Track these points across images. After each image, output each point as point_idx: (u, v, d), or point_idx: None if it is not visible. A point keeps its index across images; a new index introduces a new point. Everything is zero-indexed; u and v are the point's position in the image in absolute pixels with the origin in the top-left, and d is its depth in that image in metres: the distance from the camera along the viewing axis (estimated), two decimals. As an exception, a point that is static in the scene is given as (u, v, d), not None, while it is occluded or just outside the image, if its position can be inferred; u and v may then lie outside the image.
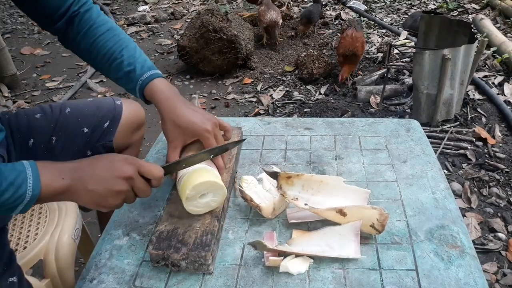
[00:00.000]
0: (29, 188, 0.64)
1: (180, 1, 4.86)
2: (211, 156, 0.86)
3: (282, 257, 0.74)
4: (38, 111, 1.05)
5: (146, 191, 0.76)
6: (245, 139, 0.93)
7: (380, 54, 3.10)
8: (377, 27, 3.66)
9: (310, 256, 0.75)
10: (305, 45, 3.44)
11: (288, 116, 2.53)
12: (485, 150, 2.08)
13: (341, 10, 4.06)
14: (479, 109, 2.39)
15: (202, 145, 0.87)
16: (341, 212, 0.78)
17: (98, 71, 0.98)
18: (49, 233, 1.04)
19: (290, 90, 2.84)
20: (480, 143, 2.13)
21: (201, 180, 0.78)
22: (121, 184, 0.72)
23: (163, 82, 0.90)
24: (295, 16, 3.92)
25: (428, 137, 1.13)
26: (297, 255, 0.75)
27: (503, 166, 1.96)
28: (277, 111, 2.62)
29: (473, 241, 0.93)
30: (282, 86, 2.89)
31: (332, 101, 2.62)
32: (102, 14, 0.96)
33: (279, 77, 3.03)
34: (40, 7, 0.89)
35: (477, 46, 2.17)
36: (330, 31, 3.65)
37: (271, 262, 0.73)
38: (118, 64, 0.90)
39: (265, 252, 0.76)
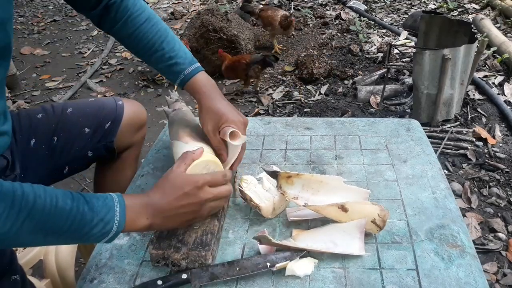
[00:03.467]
0: (115, 225, 0.68)
1: (180, 1, 4.86)
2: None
3: (288, 261, 0.74)
4: (40, 111, 1.05)
5: (224, 198, 0.80)
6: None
7: (380, 54, 3.10)
8: (377, 27, 3.66)
9: (315, 253, 0.75)
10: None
11: (288, 116, 2.53)
12: (485, 150, 2.08)
13: (341, 10, 4.06)
14: (479, 109, 2.39)
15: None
16: (342, 207, 0.78)
17: (139, 58, 1.03)
18: (49, 233, 1.04)
19: (290, 90, 2.84)
20: (480, 143, 2.13)
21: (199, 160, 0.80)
22: (205, 206, 0.76)
23: (203, 76, 0.94)
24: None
25: (428, 137, 1.12)
26: (301, 257, 0.75)
27: (503, 166, 1.96)
28: (277, 111, 2.62)
29: (473, 241, 0.93)
30: (282, 86, 2.89)
31: (332, 101, 2.62)
32: (138, 1, 0.96)
33: (279, 77, 3.03)
34: None
35: (477, 46, 2.17)
36: (330, 31, 3.65)
37: (279, 267, 0.73)
38: (160, 57, 0.94)
39: (264, 250, 0.76)
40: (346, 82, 2.86)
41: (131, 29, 0.93)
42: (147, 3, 0.99)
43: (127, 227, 0.70)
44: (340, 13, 3.95)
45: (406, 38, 3.30)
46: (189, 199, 0.73)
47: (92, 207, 0.66)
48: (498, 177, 1.92)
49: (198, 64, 0.95)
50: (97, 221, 0.66)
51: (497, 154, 2.04)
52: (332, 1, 4.35)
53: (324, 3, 4.34)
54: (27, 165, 0.99)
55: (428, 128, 2.21)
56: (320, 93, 2.75)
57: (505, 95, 2.51)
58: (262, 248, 0.77)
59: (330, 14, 4.00)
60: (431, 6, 4.04)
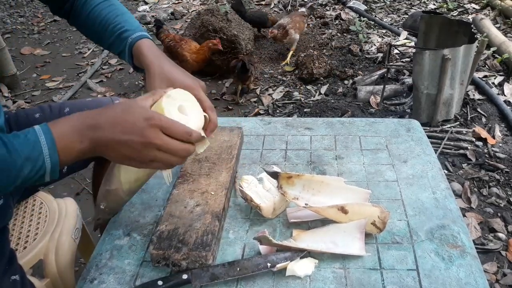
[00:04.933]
0: (47, 160, 0.62)
1: (180, 1, 4.86)
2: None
3: (288, 261, 0.74)
4: (38, 111, 1.06)
5: (176, 158, 0.68)
6: None
7: (380, 54, 3.10)
8: (377, 27, 3.67)
9: (315, 253, 0.75)
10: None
11: (288, 116, 2.53)
12: (485, 150, 2.08)
13: (341, 10, 4.06)
14: (479, 109, 2.39)
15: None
16: (342, 209, 0.78)
17: (96, 42, 1.00)
18: (49, 233, 1.04)
19: (290, 90, 2.84)
20: (480, 143, 2.13)
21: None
22: (149, 151, 0.66)
23: (151, 43, 0.89)
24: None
25: (428, 137, 1.12)
26: (302, 257, 0.75)
27: (503, 166, 1.96)
28: (277, 111, 2.62)
29: (473, 241, 0.93)
30: (282, 86, 2.89)
31: (332, 101, 2.62)
32: None
33: (279, 77, 3.03)
34: None
35: (477, 46, 2.17)
36: (330, 31, 3.65)
37: (280, 268, 0.73)
38: (112, 28, 0.91)
39: (265, 249, 0.76)
40: (346, 82, 2.87)
41: (89, 9, 0.94)
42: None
43: (64, 156, 0.63)
44: (340, 13, 3.95)
45: (406, 38, 3.30)
46: (133, 133, 0.65)
47: (11, 148, 0.60)
48: (498, 177, 1.92)
49: (148, 34, 0.92)
50: (23, 162, 0.60)
51: (497, 154, 2.05)
52: (332, 1, 4.36)
53: (324, 3, 4.34)
54: None
55: (428, 128, 2.21)
56: (320, 93, 2.75)
57: (505, 95, 2.51)
58: (263, 248, 0.77)
59: (330, 14, 4.00)
60: (431, 6, 4.05)
